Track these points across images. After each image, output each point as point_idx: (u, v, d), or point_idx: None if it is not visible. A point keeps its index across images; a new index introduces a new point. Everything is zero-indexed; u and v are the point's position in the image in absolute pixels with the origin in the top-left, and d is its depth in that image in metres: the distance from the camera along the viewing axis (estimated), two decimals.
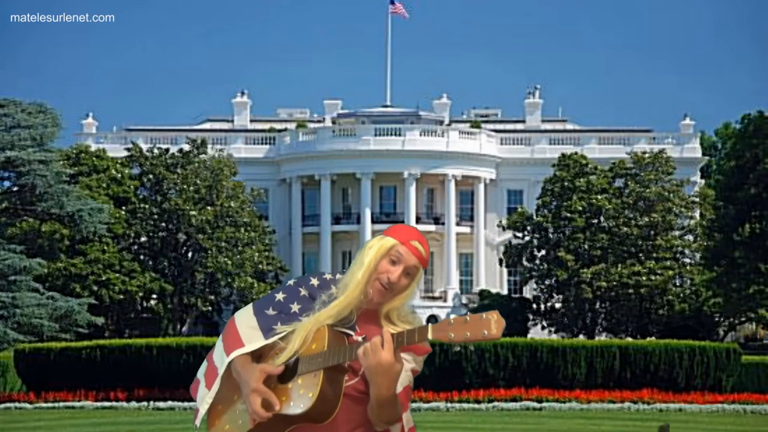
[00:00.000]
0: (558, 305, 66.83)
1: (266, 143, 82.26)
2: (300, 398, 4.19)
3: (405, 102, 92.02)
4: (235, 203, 65.40)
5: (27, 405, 28.88)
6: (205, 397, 4.35)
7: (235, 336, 4.36)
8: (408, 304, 4.38)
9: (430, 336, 4.02)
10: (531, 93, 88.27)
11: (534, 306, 68.38)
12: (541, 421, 24.47)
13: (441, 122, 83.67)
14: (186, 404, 27.80)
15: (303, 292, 4.44)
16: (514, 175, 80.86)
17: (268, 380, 4.25)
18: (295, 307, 4.40)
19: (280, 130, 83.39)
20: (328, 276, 4.50)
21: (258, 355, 4.34)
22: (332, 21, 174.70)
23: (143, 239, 65.25)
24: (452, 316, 4.03)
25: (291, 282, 4.47)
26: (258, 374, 4.23)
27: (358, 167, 77.69)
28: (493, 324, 3.93)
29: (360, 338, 4.30)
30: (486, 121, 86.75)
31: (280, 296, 4.43)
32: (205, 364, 4.46)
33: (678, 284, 65.84)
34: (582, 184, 65.77)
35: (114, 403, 28.25)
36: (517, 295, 72.21)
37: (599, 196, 65.35)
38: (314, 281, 4.46)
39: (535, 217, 67.23)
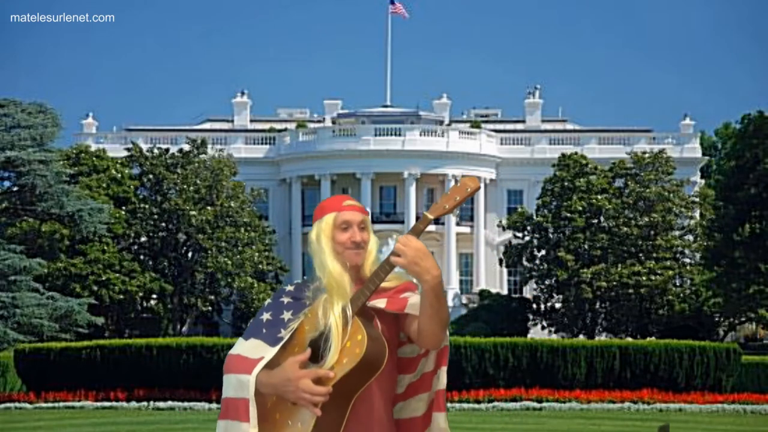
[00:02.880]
0: (558, 305, 66.80)
1: (266, 143, 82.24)
2: (351, 349, 4.17)
3: (405, 102, 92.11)
4: (235, 203, 65.37)
5: (27, 405, 28.86)
6: (248, 430, 4.22)
7: (242, 360, 4.27)
8: (376, 257, 4.55)
9: (430, 216, 4.41)
10: (531, 93, 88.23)
11: (534, 306, 68.34)
12: (541, 421, 24.46)
13: (441, 122, 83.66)
14: (186, 404, 27.80)
15: (286, 299, 4.44)
16: (514, 175, 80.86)
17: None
18: (287, 315, 4.38)
19: (280, 130, 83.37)
20: (299, 281, 4.58)
21: (273, 368, 4.27)
22: (332, 21, 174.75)
23: (143, 239, 65.23)
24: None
25: (267, 301, 4.50)
26: (290, 367, 4.19)
27: (358, 167, 77.67)
28: (468, 181, 4.40)
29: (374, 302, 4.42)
30: (486, 121, 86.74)
31: (266, 316, 4.41)
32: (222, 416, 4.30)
33: (678, 284, 65.80)
34: (582, 184, 65.74)
35: (114, 403, 28.23)
36: (517, 295, 72.17)
37: (599, 196, 65.32)
38: (289, 288, 4.52)
39: (535, 217, 67.20)
